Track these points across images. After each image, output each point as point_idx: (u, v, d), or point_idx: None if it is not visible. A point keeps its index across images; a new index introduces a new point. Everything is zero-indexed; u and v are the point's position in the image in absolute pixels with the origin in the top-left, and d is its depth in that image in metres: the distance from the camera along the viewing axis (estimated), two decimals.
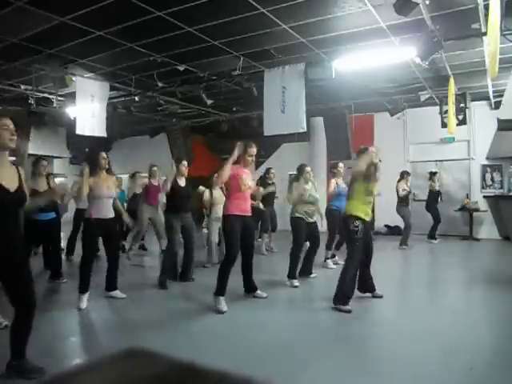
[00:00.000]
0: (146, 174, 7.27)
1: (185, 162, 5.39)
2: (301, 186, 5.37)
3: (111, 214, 4.39)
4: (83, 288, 4.26)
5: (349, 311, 3.99)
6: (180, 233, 5.27)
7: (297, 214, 5.35)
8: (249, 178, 4.33)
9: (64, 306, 4.32)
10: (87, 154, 4.73)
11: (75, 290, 4.34)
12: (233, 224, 4.17)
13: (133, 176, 7.93)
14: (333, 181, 6.45)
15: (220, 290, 4.14)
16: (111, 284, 4.60)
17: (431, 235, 9.26)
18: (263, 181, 7.66)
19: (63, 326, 3.87)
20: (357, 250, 4.14)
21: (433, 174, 9.46)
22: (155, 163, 7.32)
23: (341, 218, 6.26)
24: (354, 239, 4.14)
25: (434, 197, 9.31)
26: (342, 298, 4.07)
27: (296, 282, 5.17)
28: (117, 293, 4.60)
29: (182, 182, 5.33)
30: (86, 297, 4.25)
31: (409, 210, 8.52)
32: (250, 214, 4.35)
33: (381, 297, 4.51)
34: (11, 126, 2.52)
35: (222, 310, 4.03)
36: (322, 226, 5.86)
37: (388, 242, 8.30)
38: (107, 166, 4.42)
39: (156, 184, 7.01)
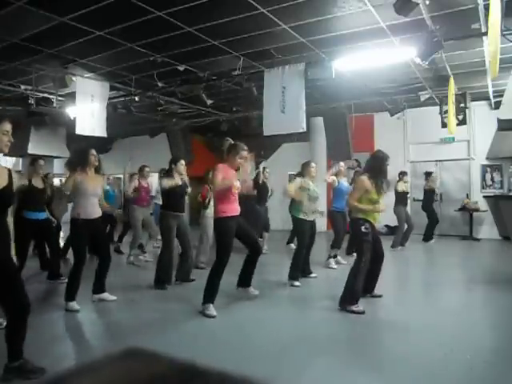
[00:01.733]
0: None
1: (182, 161, 5.35)
2: (303, 181, 5.35)
3: (98, 214, 4.30)
4: (70, 295, 4.12)
5: (362, 312, 3.94)
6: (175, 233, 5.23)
7: (301, 215, 5.30)
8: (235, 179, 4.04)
9: (62, 306, 4.29)
10: (76, 151, 4.64)
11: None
12: (228, 226, 3.98)
13: (131, 177, 7.91)
14: (333, 177, 6.44)
15: (210, 298, 3.98)
16: (100, 285, 4.47)
17: (427, 236, 9.21)
18: (256, 180, 7.62)
19: (62, 327, 3.87)
20: (367, 251, 4.09)
21: (428, 175, 9.38)
22: (155, 163, 7.32)
23: (344, 218, 6.34)
24: (365, 241, 4.09)
25: (429, 196, 9.28)
26: (350, 299, 4.03)
27: (297, 283, 5.16)
28: (106, 295, 4.49)
29: (178, 181, 5.31)
30: (74, 303, 4.12)
31: (406, 210, 8.48)
32: (238, 214, 4.18)
33: (380, 296, 4.50)
34: (10, 132, 2.56)
35: (212, 314, 3.90)
36: (322, 215, 5.69)
37: (388, 242, 8.27)
38: (96, 164, 4.31)
39: (146, 185, 6.98)
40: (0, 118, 2.57)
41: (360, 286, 4.09)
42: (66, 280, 5.28)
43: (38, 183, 5.21)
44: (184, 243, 5.32)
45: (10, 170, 2.66)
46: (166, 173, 5.38)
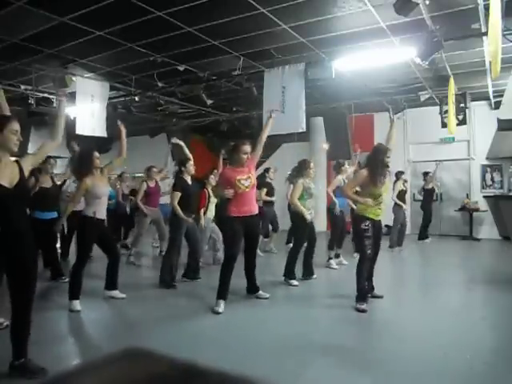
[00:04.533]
0: (143, 175, 7.18)
1: (191, 162, 5.38)
2: (305, 182, 5.33)
3: (105, 214, 4.40)
4: (75, 294, 4.14)
5: (364, 311, 4.02)
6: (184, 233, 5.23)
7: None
8: (245, 178, 4.16)
9: (64, 305, 4.30)
10: (79, 154, 4.68)
11: None
12: (231, 225, 4.13)
13: (120, 176, 7.87)
14: (339, 177, 6.43)
15: (222, 293, 4.11)
16: (112, 283, 4.57)
17: (422, 235, 9.25)
18: (262, 180, 7.65)
19: (63, 326, 3.87)
20: (367, 248, 4.18)
21: (425, 174, 9.48)
22: (155, 163, 7.31)
23: (342, 217, 6.35)
24: (363, 238, 4.17)
25: (428, 196, 9.32)
26: (359, 297, 4.14)
27: (295, 282, 5.16)
28: (116, 293, 4.59)
29: (189, 181, 5.34)
30: (76, 302, 4.14)
31: (403, 211, 8.44)
32: (253, 214, 4.25)
33: (381, 297, 4.50)
34: (19, 132, 2.59)
35: (218, 310, 4.01)
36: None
37: (388, 242, 8.29)
38: (101, 166, 4.37)
39: (153, 186, 6.94)
40: (9, 118, 2.61)
41: (365, 282, 4.19)
42: (67, 280, 5.34)
43: (46, 183, 5.24)
44: (193, 242, 5.35)
45: (18, 163, 2.65)
46: (177, 174, 5.38)
